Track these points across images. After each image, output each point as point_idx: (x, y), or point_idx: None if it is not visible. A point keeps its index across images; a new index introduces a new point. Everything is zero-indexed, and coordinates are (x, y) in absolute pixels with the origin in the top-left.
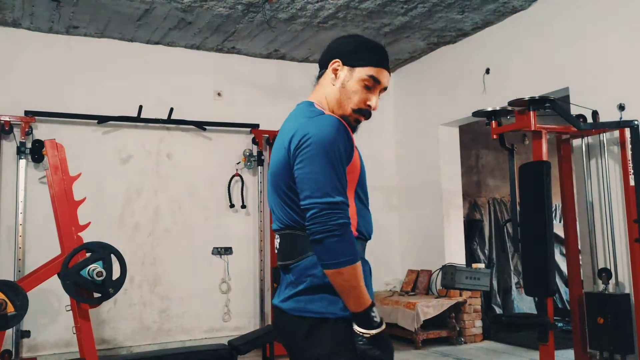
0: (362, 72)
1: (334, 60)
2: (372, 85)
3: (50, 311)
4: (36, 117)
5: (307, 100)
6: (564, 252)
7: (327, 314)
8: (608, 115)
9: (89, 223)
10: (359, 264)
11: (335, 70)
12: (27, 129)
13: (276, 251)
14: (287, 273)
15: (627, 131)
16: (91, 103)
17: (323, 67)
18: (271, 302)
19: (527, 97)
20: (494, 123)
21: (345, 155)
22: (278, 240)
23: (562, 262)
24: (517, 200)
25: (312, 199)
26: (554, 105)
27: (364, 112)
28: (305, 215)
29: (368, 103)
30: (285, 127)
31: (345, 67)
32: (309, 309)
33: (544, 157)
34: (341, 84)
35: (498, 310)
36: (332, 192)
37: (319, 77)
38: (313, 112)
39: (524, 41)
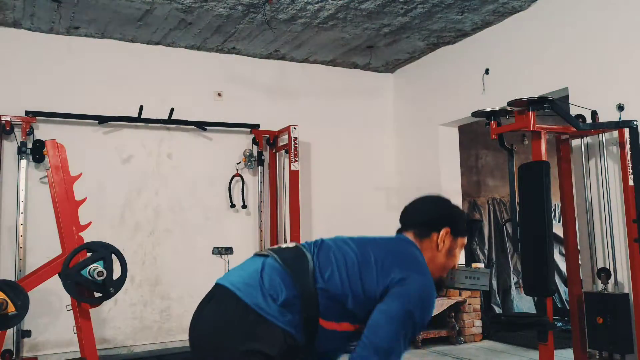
0: (462, 241)
1: (445, 229)
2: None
3: (51, 311)
4: (37, 117)
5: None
6: (563, 252)
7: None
8: (607, 115)
9: (90, 223)
10: None
11: (444, 237)
12: (27, 129)
13: (279, 247)
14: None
15: (626, 131)
16: (92, 103)
17: (423, 226)
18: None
19: (526, 97)
20: (493, 123)
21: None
22: (290, 245)
23: (561, 262)
24: (517, 200)
25: (377, 346)
26: (553, 106)
27: (446, 276)
28: (359, 341)
29: (456, 265)
30: (387, 243)
31: (451, 236)
32: (263, 308)
33: (544, 157)
34: (448, 250)
35: (497, 310)
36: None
37: (420, 235)
38: (422, 267)
39: (524, 41)
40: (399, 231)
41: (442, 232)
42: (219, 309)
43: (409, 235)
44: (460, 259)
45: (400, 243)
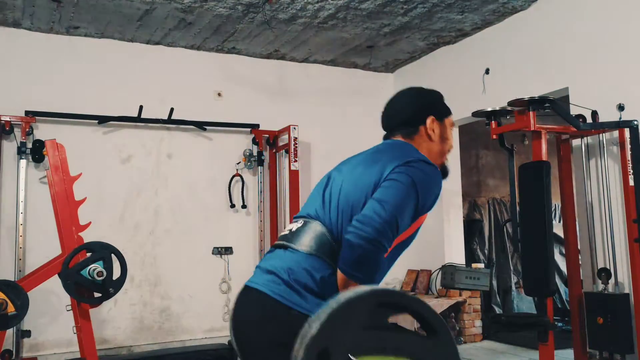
0: (449, 121)
1: (430, 118)
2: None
3: (50, 311)
4: (37, 117)
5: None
6: (564, 252)
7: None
8: (607, 115)
9: (90, 223)
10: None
11: (432, 127)
12: (27, 129)
13: (288, 232)
14: (281, 252)
15: (627, 131)
16: (91, 103)
17: (407, 125)
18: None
19: (526, 97)
20: (493, 123)
21: (425, 209)
22: (298, 224)
23: (561, 262)
24: (517, 200)
25: (381, 214)
26: (553, 106)
27: (445, 161)
28: (355, 220)
29: (452, 147)
30: (380, 155)
31: (438, 121)
32: (294, 300)
33: (544, 157)
34: (440, 137)
35: (498, 310)
36: (393, 230)
37: (408, 134)
38: (418, 154)
39: (524, 41)
40: (387, 135)
41: (428, 121)
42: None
43: (399, 139)
44: (460, 258)
45: (394, 145)
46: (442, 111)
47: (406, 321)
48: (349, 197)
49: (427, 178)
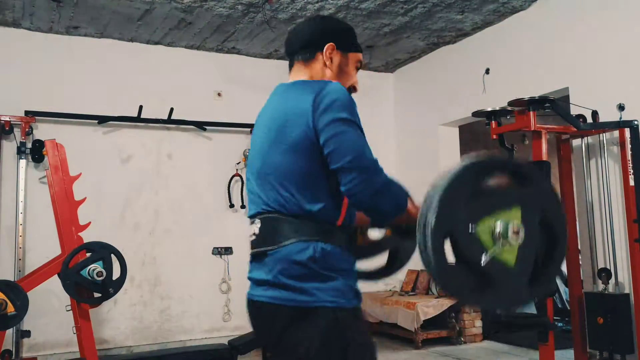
0: (355, 57)
1: (329, 45)
2: (359, 68)
3: (50, 311)
4: (36, 117)
5: (298, 80)
6: None
7: (318, 303)
8: (608, 115)
9: (89, 223)
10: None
11: (330, 54)
12: (27, 129)
13: (253, 237)
14: (260, 261)
15: (627, 131)
16: (91, 103)
17: (305, 48)
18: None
19: (527, 97)
20: (493, 123)
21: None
22: (257, 226)
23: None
24: None
25: (363, 159)
26: (553, 106)
27: (352, 92)
28: (348, 176)
29: (356, 85)
30: (285, 104)
31: (339, 52)
32: (294, 297)
33: (544, 157)
34: (338, 67)
35: (498, 310)
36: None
37: (305, 59)
38: (322, 82)
39: (524, 41)
40: (290, 65)
41: (326, 48)
42: None
43: (299, 66)
44: None
45: (294, 93)
46: (347, 43)
47: (406, 320)
48: (278, 166)
49: (346, 99)
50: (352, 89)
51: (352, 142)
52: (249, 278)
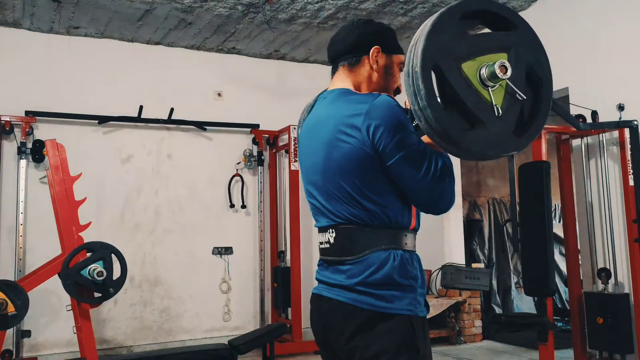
0: (398, 59)
1: (374, 48)
2: (402, 70)
3: (50, 311)
4: (37, 117)
5: (340, 88)
6: (564, 252)
7: (395, 310)
8: (607, 115)
9: (90, 223)
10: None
11: (376, 57)
12: (27, 129)
13: (327, 246)
14: (336, 267)
15: (627, 131)
16: (92, 103)
17: (351, 52)
18: (312, 291)
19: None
20: None
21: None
22: (332, 235)
23: (561, 262)
24: (517, 200)
25: (423, 181)
26: (553, 106)
27: (397, 93)
28: (413, 197)
29: (400, 87)
30: (330, 120)
31: (384, 54)
32: (372, 302)
33: (544, 157)
34: (384, 69)
35: (498, 310)
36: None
37: (351, 64)
38: (370, 96)
39: None
40: (333, 70)
41: (372, 51)
42: None
43: (343, 71)
44: (460, 258)
45: (338, 106)
46: (391, 45)
47: None
48: (337, 176)
49: (396, 116)
50: (397, 90)
51: (410, 165)
52: (319, 280)
